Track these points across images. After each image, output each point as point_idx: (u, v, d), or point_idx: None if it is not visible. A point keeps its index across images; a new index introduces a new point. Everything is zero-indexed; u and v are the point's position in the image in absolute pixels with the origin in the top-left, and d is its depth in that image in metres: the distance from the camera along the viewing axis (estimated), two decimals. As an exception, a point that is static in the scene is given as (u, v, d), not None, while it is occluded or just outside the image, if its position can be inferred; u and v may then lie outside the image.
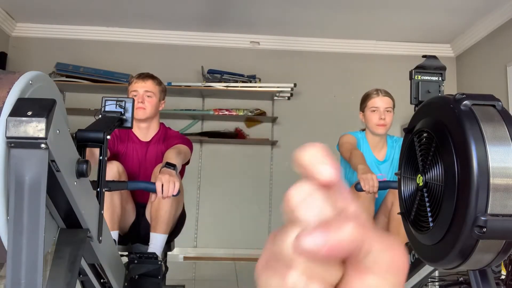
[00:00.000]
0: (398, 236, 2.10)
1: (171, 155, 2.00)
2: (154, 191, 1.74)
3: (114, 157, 2.31)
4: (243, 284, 3.50)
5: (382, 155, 2.46)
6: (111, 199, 2.13)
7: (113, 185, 1.76)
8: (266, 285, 0.29)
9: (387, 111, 2.40)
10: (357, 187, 1.85)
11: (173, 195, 1.76)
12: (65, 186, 1.04)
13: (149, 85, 2.30)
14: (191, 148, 2.33)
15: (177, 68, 5.18)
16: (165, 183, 1.73)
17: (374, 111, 2.36)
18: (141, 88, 2.28)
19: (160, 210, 2.15)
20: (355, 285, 0.27)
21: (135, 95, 2.23)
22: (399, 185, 1.58)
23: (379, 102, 2.38)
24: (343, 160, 2.41)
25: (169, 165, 1.86)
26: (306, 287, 0.27)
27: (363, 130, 2.51)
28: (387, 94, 2.43)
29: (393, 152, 2.44)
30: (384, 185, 1.90)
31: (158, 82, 2.39)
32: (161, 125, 2.42)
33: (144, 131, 2.35)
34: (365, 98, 2.46)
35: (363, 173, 1.89)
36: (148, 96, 2.27)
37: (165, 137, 2.35)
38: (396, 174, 1.62)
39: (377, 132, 2.37)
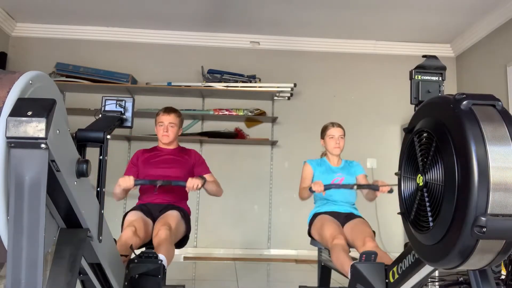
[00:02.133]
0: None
1: (210, 179, 2.87)
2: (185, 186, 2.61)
3: (138, 169, 2.90)
4: (243, 284, 3.50)
5: (338, 165, 3.14)
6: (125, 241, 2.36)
7: (161, 182, 2.60)
8: None
9: (341, 137, 3.06)
10: (310, 189, 2.76)
11: (197, 189, 2.65)
12: (65, 186, 1.04)
13: (172, 117, 2.92)
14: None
15: (177, 68, 5.18)
16: (193, 182, 2.62)
17: (331, 138, 3.05)
18: (166, 120, 2.91)
19: (160, 244, 2.38)
20: None
21: (161, 125, 2.91)
22: (399, 185, 1.57)
23: (334, 131, 3.05)
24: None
25: (202, 177, 2.70)
26: None
27: (325, 155, 3.19)
28: (339, 125, 3.09)
29: (346, 164, 3.11)
30: (327, 187, 2.75)
31: (179, 114, 2.99)
32: (179, 146, 3.09)
33: (168, 146, 2.99)
34: (324, 129, 3.12)
35: (313, 183, 2.78)
36: (171, 126, 2.91)
37: (187, 152, 3.02)
38: (396, 174, 1.62)
39: (334, 153, 3.06)
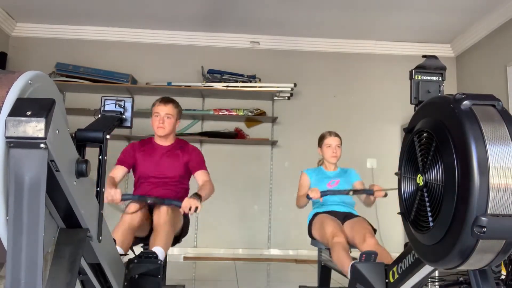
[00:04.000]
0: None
1: (204, 191, 2.65)
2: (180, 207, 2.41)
3: (134, 166, 2.77)
4: (243, 284, 3.50)
5: (334, 171, 3.18)
6: (122, 240, 2.30)
7: (152, 200, 2.43)
8: None
9: (338, 146, 3.09)
10: (308, 197, 2.77)
11: (195, 212, 2.42)
12: (64, 186, 1.04)
13: (169, 108, 2.72)
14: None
15: (177, 68, 5.18)
16: (190, 203, 2.41)
17: (328, 147, 3.09)
18: (162, 111, 2.71)
19: (157, 232, 2.36)
20: None
21: (157, 116, 2.71)
22: (399, 185, 1.57)
23: (332, 141, 3.09)
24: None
25: (197, 195, 2.49)
26: None
27: (321, 163, 3.23)
28: (337, 135, 3.13)
29: (342, 172, 3.14)
30: (324, 193, 2.77)
31: (177, 105, 2.79)
32: (176, 139, 2.89)
33: (163, 142, 2.81)
34: (322, 138, 3.16)
35: (310, 190, 2.81)
36: (167, 117, 2.71)
37: (183, 146, 2.84)
38: (396, 174, 1.62)
39: (331, 161, 3.12)
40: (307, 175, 3.15)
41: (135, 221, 2.41)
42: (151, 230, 2.52)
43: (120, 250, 2.26)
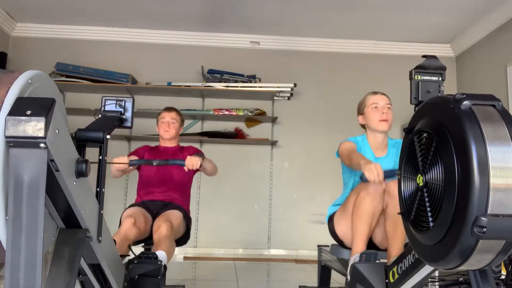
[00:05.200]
0: (395, 234, 2.13)
1: (207, 159, 2.79)
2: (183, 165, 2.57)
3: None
4: (243, 284, 3.50)
5: (383, 153, 2.49)
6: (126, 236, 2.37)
7: (157, 162, 2.57)
8: None
9: (388, 107, 2.40)
10: (363, 178, 1.89)
11: (197, 169, 2.63)
12: (64, 185, 1.04)
13: (173, 114, 3.03)
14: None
15: (177, 68, 5.17)
16: (191, 160, 2.57)
17: (375, 107, 2.37)
18: (167, 116, 3.01)
19: (161, 240, 2.39)
20: None
21: (163, 121, 3.01)
22: (399, 185, 1.57)
23: (379, 99, 2.40)
24: (345, 167, 2.45)
25: (199, 155, 2.66)
26: None
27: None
28: (384, 93, 2.46)
29: (394, 152, 2.46)
30: (389, 174, 1.92)
31: (179, 113, 3.10)
32: (179, 144, 3.15)
33: (168, 144, 3.06)
34: (363, 100, 2.48)
35: (366, 164, 1.92)
36: (172, 123, 3.00)
37: (183, 147, 3.08)
38: (396, 174, 1.62)
39: (380, 129, 2.37)
40: (352, 142, 2.39)
41: (131, 234, 2.41)
42: (151, 234, 2.55)
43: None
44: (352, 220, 2.16)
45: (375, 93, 2.42)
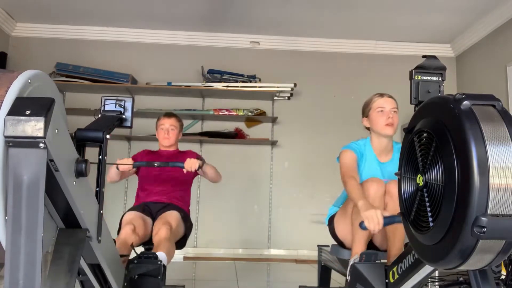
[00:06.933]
0: (395, 235, 2.12)
1: (210, 164, 2.82)
2: (183, 167, 2.59)
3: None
4: (243, 284, 3.50)
5: (388, 158, 2.43)
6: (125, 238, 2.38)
7: (158, 164, 2.61)
8: None
9: (394, 111, 2.33)
10: (362, 226, 1.82)
11: (196, 171, 2.71)
12: (64, 185, 1.04)
13: (173, 121, 3.00)
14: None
15: (177, 68, 5.17)
16: (190, 162, 2.60)
17: (381, 111, 2.31)
18: (167, 123, 2.99)
19: (160, 242, 2.37)
20: None
21: (162, 128, 2.98)
22: (399, 185, 1.57)
23: (385, 103, 2.32)
24: None
25: (199, 158, 2.68)
26: None
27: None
28: (391, 96, 2.37)
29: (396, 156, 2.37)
30: (388, 221, 1.82)
31: (179, 119, 3.07)
32: (178, 149, 3.14)
33: (168, 149, 3.04)
34: (369, 102, 2.39)
35: (366, 210, 1.84)
36: (172, 129, 2.98)
37: (182, 151, 3.07)
38: (396, 174, 1.62)
39: (385, 133, 2.33)
40: (353, 153, 2.29)
41: (130, 241, 2.40)
42: (151, 237, 2.55)
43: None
44: (352, 221, 2.14)
45: (381, 95, 2.34)
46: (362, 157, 2.34)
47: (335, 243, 2.50)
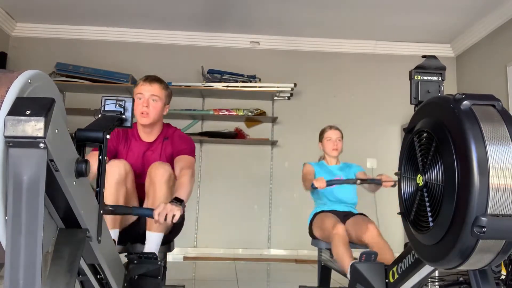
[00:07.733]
0: (384, 252, 2.45)
1: (183, 189, 2.05)
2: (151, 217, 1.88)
3: (115, 156, 2.32)
4: (243, 284, 3.50)
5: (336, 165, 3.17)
6: (117, 195, 2.07)
7: (119, 209, 1.90)
8: None
9: (339, 140, 3.10)
10: (312, 186, 2.71)
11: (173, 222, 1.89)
12: (64, 185, 1.04)
13: (155, 88, 2.23)
14: (194, 153, 2.36)
15: (177, 68, 5.17)
16: (163, 212, 1.86)
17: (329, 140, 3.09)
18: (147, 91, 2.22)
19: (151, 197, 2.10)
20: None
21: (140, 98, 2.21)
22: (399, 185, 1.57)
23: (332, 134, 3.09)
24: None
25: (177, 200, 1.95)
26: None
27: (323, 159, 3.21)
28: (337, 128, 3.13)
29: (345, 166, 3.13)
30: (329, 183, 2.69)
31: (165, 86, 2.30)
32: (164, 128, 2.39)
33: (148, 133, 2.33)
34: (322, 132, 3.16)
35: (315, 180, 2.74)
36: (153, 100, 2.23)
37: (170, 136, 2.34)
38: (396, 174, 1.62)
39: (332, 155, 3.10)
40: (311, 165, 3.11)
41: (122, 176, 2.06)
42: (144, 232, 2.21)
43: (114, 234, 2.04)
44: (332, 247, 2.58)
45: (330, 127, 3.13)
46: (319, 168, 3.10)
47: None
